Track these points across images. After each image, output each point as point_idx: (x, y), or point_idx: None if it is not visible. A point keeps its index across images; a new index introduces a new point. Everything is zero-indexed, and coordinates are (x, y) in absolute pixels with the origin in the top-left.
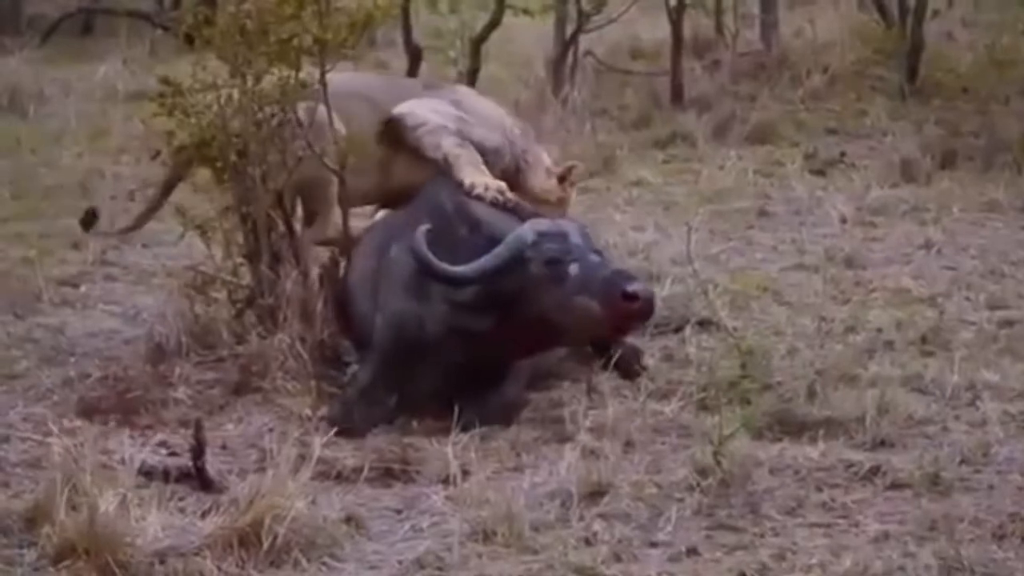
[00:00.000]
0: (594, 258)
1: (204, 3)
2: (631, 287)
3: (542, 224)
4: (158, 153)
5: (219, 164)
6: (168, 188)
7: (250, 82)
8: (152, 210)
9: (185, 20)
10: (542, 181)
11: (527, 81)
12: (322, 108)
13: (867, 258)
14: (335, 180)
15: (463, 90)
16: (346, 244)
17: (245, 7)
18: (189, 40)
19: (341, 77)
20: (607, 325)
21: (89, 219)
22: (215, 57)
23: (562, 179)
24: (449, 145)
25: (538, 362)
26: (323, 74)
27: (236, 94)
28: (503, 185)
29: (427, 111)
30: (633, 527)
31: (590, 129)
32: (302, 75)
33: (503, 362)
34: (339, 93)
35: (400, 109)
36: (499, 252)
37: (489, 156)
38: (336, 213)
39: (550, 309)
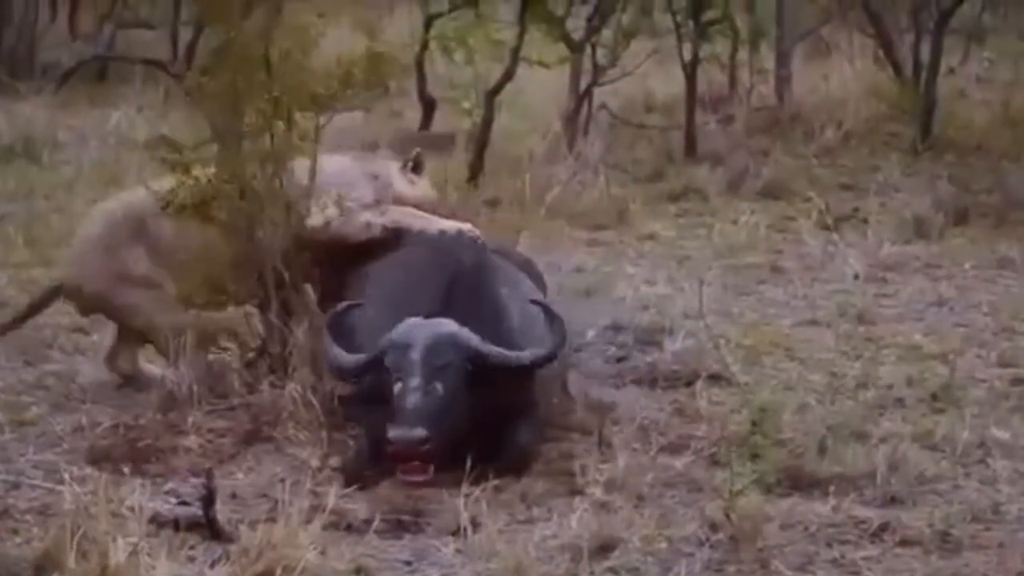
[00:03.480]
0: (413, 382)
1: (217, 53)
2: (391, 432)
3: (400, 331)
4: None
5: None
6: (35, 310)
7: (244, 140)
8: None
9: (189, 78)
10: (409, 188)
11: (543, 133)
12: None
13: (879, 314)
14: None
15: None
16: None
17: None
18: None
19: None
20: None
21: None
22: (205, 116)
23: (416, 168)
24: (367, 217)
25: (550, 415)
26: (317, 129)
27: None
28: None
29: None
30: None
31: (603, 182)
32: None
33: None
34: None
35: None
36: (371, 350)
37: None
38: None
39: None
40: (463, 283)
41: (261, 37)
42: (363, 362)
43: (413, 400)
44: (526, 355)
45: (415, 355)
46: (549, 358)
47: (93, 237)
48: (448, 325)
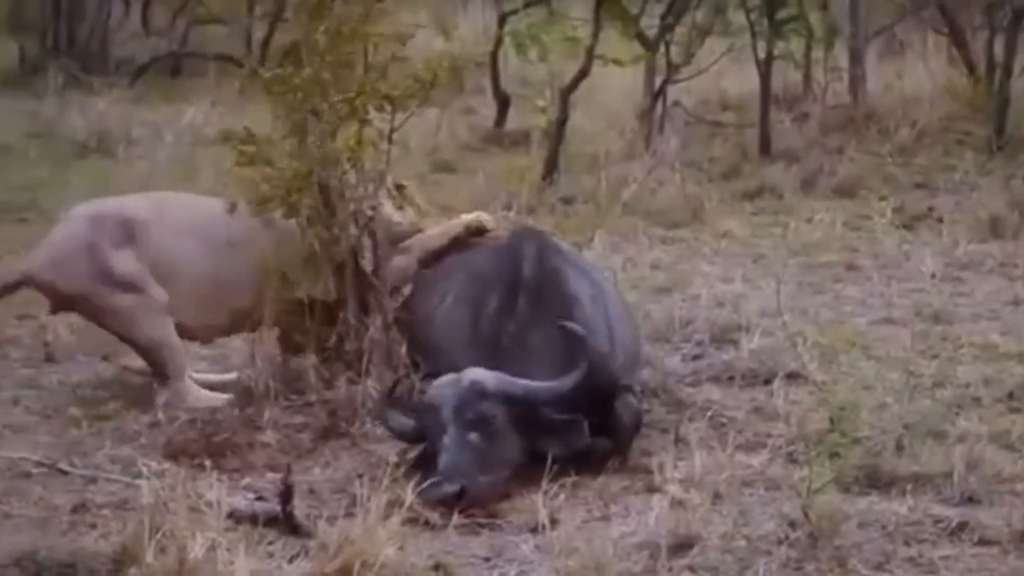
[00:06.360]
0: (446, 440)
1: (290, 51)
2: (422, 490)
3: (431, 393)
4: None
5: (304, 213)
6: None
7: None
8: None
9: (263, 76)
10: (395, 214)
11: (618, 131)
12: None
13: (955, 313)
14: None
15: None
16: None
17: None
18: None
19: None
20: None
21: None
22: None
23: (400, 190)
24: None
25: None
26: (391, 131)
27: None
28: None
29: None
30: None
31: (679, 180)
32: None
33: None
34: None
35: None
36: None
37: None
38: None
39: None
40: (531, 276)
41: (353, 33)
42: (412, 428)
43: (445, 459)
44: (561, 385)
45: (445, 415)
46: (585, 379)
47: (73, 235)
48: (475, 374)
